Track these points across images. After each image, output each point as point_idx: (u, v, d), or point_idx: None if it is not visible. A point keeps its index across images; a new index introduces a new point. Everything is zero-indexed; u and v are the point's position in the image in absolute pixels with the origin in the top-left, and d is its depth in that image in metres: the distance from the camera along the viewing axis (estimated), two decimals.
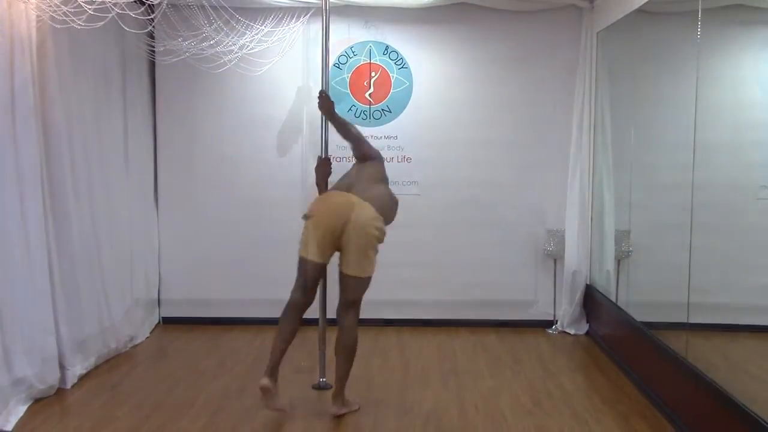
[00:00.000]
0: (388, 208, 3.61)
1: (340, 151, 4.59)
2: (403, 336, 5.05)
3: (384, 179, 3.72)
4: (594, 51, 5.06)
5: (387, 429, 3.41)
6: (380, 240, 3.50)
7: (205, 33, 4.12)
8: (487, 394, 3.90)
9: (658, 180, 4.21)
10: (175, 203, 5.23)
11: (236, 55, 4.47)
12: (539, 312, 5.30)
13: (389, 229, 3.68)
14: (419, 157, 5.23)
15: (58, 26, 3.35)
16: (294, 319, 3.58)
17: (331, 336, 3.64)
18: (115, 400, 3.72)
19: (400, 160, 5.21)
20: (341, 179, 3.74)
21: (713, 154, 3.55)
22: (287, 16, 4.82)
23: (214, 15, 4.07)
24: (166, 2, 3.82)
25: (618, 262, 4.69)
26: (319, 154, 3.97)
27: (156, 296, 5.21)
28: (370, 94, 5.22)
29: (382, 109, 5.22)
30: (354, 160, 3.79)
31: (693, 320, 3.43)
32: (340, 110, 5.06)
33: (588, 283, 5.14)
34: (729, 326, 3.60)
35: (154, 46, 4.54)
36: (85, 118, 4.14)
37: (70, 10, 3.18)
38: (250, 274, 5.17)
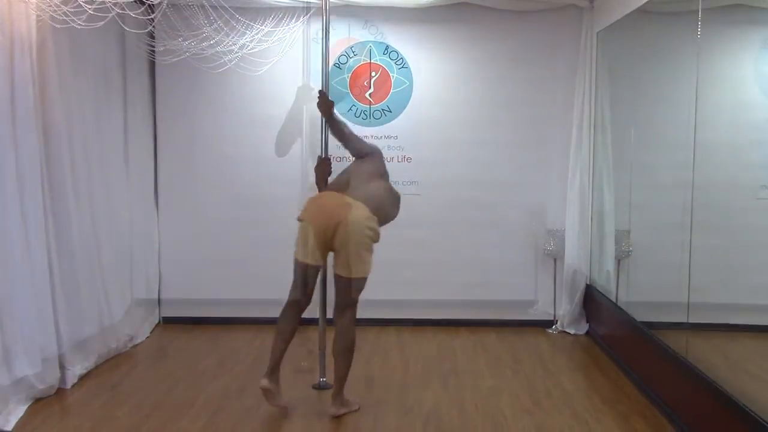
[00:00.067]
0: (385, 206, 3.59)
1: (340, 150, 4.56)
2: (403, 336, 5.05)
3: (383, 175, 3.69)
4: (594, 51, 5.06)
5: (387, 429, 3.41)
6: (374, 240, 3.47)
7: (205, 33, 4.12)
8: (486, 393, 3.90)
9: (658, 180, 4.21)
10: (175, 203, 5.22)
11: (236, 55, 4.47)
12: (539, 312, 5.30)
13: (392, 226, 3.69)
14: (419, 157, 5.23)
15: (58, 26, 3.35)
16: (292, 318, 3.59)
17: (331, 336, 3.64)
18: (115, 400, 3.72)
19: (400, 159, 5.22)
20: (338, 176, 3.73)
21: (713, 154, 3.55)
22: (287, 16, 4.82)
23: (214, 15, 4.07)
24: (166, 2, 3.82)
25: (618, 261, 4.69)
26: (319, 153, 3.97)
27: (156, 296, 5.21)
28: (370, 94, 5.22)
29: (382, 109, 5.22)
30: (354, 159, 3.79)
31: (693, 320, 3.44)
32: (340, 110, 5.10)
33: (588, 282, 5.14)
34: (729, 326, 3.60)
35: (154, 46, 4.54)
36: (85, 118, 4.14)
37: (70, 9, 3.18)
38: (250, 274, 5.17)
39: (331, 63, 4.54)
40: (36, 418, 3.45)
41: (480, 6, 5.08)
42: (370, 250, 3.47)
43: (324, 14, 3.92)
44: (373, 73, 5.21)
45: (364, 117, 5.22)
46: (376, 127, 5.19)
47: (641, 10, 4.15)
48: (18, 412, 3.43)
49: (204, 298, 5.26)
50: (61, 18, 3.22)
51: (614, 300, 4.64)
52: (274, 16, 4.72)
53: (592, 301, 5.08)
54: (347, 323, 3.50)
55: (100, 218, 4.26)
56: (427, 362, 4.45)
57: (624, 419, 3.55)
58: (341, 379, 3.51)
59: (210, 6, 4.09)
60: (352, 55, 5.19)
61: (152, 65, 5.06)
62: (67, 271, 3.87)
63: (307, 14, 4.91)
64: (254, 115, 5.15)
